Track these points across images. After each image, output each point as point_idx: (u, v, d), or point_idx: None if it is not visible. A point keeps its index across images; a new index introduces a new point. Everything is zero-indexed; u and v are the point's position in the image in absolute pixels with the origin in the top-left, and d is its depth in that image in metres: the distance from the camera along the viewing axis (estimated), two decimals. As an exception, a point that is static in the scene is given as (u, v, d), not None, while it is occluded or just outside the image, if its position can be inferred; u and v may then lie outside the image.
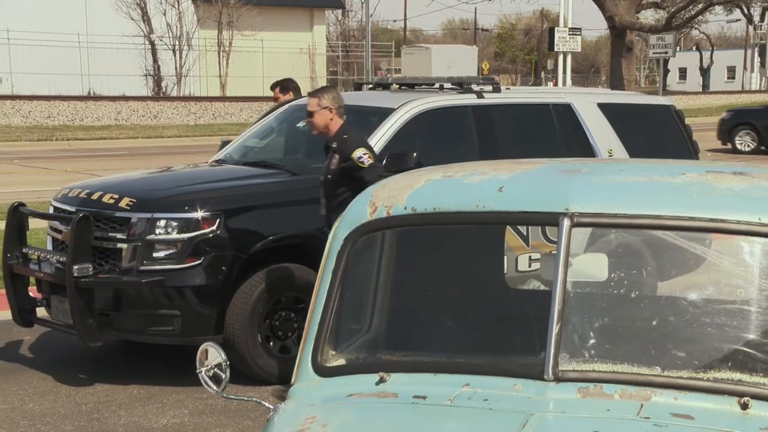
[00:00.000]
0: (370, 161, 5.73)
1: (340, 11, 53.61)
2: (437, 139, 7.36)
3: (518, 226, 5.97)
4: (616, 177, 2.88)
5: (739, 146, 25.00)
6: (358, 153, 5.73)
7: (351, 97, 8.54)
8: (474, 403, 2.48)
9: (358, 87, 8.82)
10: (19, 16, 34.44)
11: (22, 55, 34.33)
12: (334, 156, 5.83)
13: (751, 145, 25.28)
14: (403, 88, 7.99)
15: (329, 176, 5.84)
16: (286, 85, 8.74)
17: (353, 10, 56.09)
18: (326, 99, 5.87)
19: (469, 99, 7.37)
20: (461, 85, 7.52)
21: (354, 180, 5.65)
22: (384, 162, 6.63)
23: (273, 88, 8.84)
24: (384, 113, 7.01)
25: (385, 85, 8.23)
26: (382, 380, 2.64)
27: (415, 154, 6.59)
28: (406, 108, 7.02)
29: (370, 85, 8.52)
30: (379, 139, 6.81)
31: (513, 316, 3.32)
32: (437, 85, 7.74)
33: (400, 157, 6.60)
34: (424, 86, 7.87)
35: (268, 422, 2.70)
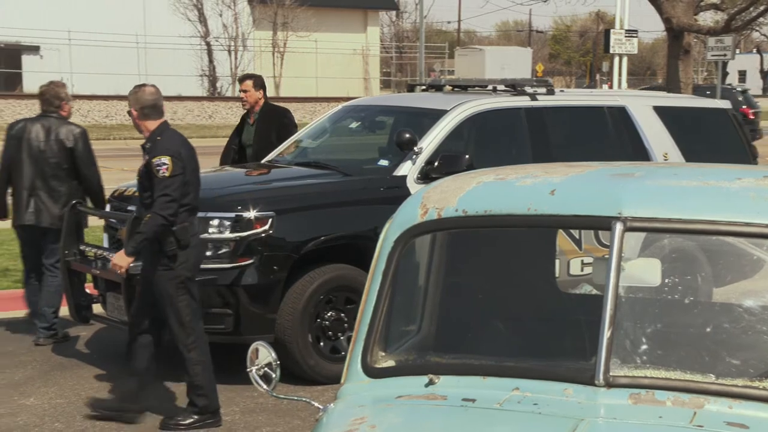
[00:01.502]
0: (165, 174, 5.25)
1: (394, 12, 53.67)
2: (489, 141, 7.33)
3: (571, 230, 5.91)
4: (671, 181, 2.84)
5: None
6: (159, 160, 5.28)
7: (403, 99, 8.56)
8: (523, 407, 2.46)
9: (410, 88, 8.84)
10: (79, 18, 35.04)
11: (82, 55, 34.91)
12: (144, 157, 5.44)
13: None
14: (456, 89, 7.97)
15: (138, 178, 5.48)
16: (259, 82, 8.31)
17: (407, 11, 56.18)
18: (131, 100, 5.46)
19: (523, 101, 7.33)
20: (514, 87, 7.48)
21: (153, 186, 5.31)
22: (436, 164, 6.63)
23: (244, 80, 8.35)
24: (436, 115, 7.00)
25: (438, 87, 8.22)
26: (431, 382, 2.64)
27: (467, 156, 6.57)
28: (459, 110, 7.00)
29: (423, 87, 8.51)
30: (431, 140, 6.80)
31: (564, 320, 3.30)
32: (490, 87, 7.71)
33: (451, 158, 6.59)
34: (477, 88, 7.84)
35: (318, 422, 2.71)
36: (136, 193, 6.63)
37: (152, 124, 5.45)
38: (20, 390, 6.14)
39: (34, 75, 36.10)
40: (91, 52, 34.73)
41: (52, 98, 7.13)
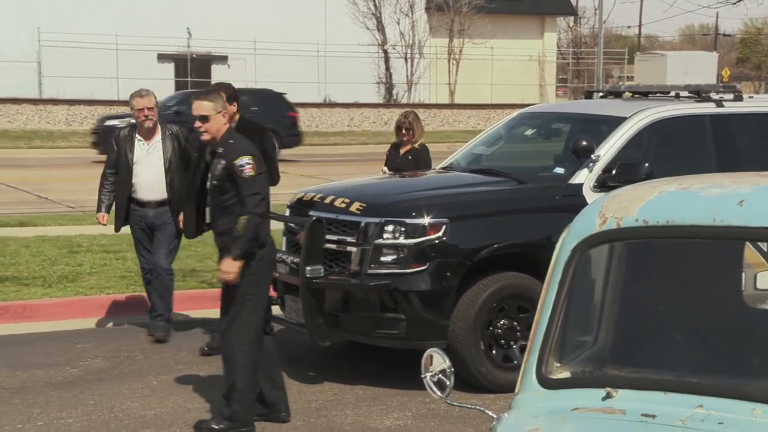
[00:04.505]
0: (251, 173, 5.27)
1: (571, 18, 52.86)
2: (671, 149, 7.11)
3: (759, 242, 5.64)
4: None
5: None
6: (241, 161, 5.29)
7: (581, 106, 8.41)
8: (708, 425, 2.37)
9: (588, 95, 8.69)
10: (264, 29, 36.36)
11: (266, 64, 36.24)
12: (220, 161, 5.39)
13: None
14: (636, 96, 7.78)
15: (215, 182, 5.42)
16: (229, 93, 6.77)
17: (586, 16, 55.15)
18: (220, 103, 5.46)
19: (707, 108, 7.06)
20: (699, 93, 7.22)
21: (238, 187, 5.31)
22: (613, 172, 6.47)
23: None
24: (615, 122, 6.85)
25: (617, 93, 8.05)
26: (608, 396, 2.58)
27: (646, 165, 6.40)
28: (639, 117, 6.82)
29: (601, 93, 8.35)
30: (609, 148, 6.66)
31: (751, 336, 3.15)
32: (673, 93, 7.47)
33: (630, 167, 6.43)
34: (658, 94, 7.62)
35: (491, 431, 2.70)
36: (316, 198, 6.82)
37: (225, 127, 5.47)
38: (203, 386, 6.41)
39: (221, 84, 37.72)
40: (274, 61, 36.00)
41: None
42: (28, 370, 6.72)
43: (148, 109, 7.32)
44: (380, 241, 6.21)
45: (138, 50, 34.01)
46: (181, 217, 7.00)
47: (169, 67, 37.63)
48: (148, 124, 7.34)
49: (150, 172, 7.34)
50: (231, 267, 5.28)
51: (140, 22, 35.55)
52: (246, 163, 5.28)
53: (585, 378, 2.78)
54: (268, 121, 13.94)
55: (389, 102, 39.08)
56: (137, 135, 7.40)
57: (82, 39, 33.17)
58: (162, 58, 37.11)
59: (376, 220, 6.27)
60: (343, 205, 6.52)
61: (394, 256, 6.20)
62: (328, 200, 6.68)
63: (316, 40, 37.43)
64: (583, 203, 5.98)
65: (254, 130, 6.86)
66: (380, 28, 39.10)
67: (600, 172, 6.56)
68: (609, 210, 2.87)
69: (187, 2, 36.94)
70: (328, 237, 6.39)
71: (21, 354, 6.99)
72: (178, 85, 37.71)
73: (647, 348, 3.04)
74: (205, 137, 5.45)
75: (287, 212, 7.15)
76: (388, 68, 39.80)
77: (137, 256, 7.64)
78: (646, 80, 29.05)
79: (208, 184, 5.55)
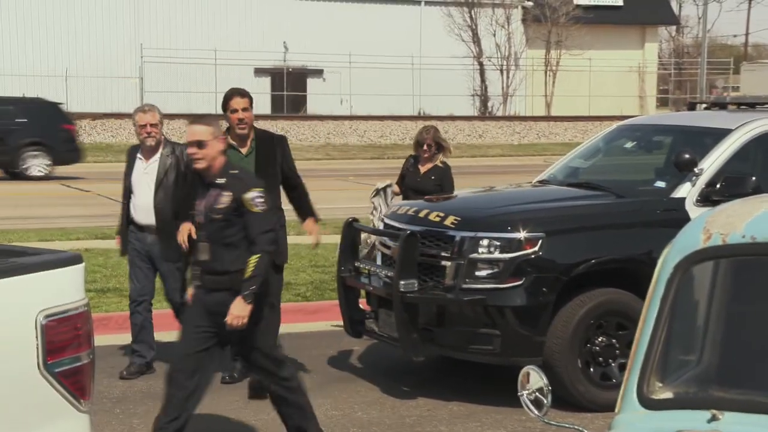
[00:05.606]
0: (263, 207, 4.92)
1: (674, 27, 51.84)
2: (780, 162, 6.87)
3: None
4: None
5: None
6: (253, 193, 4.92)
7: (684, 118, 8.20)
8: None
9: (691, 107, 8.50)
10: (359, 42, 36.70)
11: (360, 77, 36.54)
12: (222, 193, 4.95)
13: None
14: (742, 107, 7.56)
15: (218, 216, 4.95)
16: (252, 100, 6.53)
17: (689, 25, 54.03)
18: (216, 128, 5.01)
19: (819, 119, 6.80)
20: (809, 103, 6.98)
21: (245, 221, 4.93)
22: (718, 186, 6.28)
23: (244, 96, 6.37)
24: (720, 134, 6.66)
25: (721, 105, 7.84)
26: (714, 418, 2.49)
27: (753, 178, 6.20)
28: (746, 129, 6.62)
29: (705, 105, 8.15)
30: (713, 161, 6.47)
31: None
32: (781, 105, 7.24)
33: (736, 181, 6.25)
34: (766, 105, 7.39)
35: (590, 453, 2.62)
36: (410, 211, 6.79)
37: (224, 157, 5.07)
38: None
39: (317, 97, 38.30)
40: (368, 73, 36.26)
41: None
42: (129, 380, 6.86)
43: (151, 125, 6.74)
44: (475, 255, 6.15)
45: (236, 65, 34.71)
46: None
47: (266, 81, 38.29)
48: (150, 142, 6.77)
49: (144, 194, 6.80)
50: (244, 310, 4.87)
51: (238, 37, 36.33)
52: (258, 197, 4.94)
53: (689, 399, 2.68)
54: (40, 135, 10.52)
55: (484, 114, 38.94)
56: (139, 153, 6.89)
57: (182, 55, 34.03)
58: (259, 72, 37.79)
59: (471, 234, 6.21)
60: (438, 219, 6.48)
61: (489, 271, 6.13)
62: (422, 214, 6.65)
63: (411, 52, 37.57)
64: (686, 218, 5.83)
65: (273, 139, 6.61)
66: (476, 40, 39.00)
67: (703, 186, 6.39)
68: (714, 225, 2.77)
69: (284, 17, 37.56)
70: (422, 251, 6.35)
71: (122, 364, 7.14)
72: (274, 99, 38.39)
73: (755, 369, 2.92)
74: (201, 165, 5.00)
75: (381, 226, 7.15)
76: (483, 80, 39.66)
77: (129, 281, 7.07)
78: (753, 91, 28.29)
79: (201, 217, 5.08)
